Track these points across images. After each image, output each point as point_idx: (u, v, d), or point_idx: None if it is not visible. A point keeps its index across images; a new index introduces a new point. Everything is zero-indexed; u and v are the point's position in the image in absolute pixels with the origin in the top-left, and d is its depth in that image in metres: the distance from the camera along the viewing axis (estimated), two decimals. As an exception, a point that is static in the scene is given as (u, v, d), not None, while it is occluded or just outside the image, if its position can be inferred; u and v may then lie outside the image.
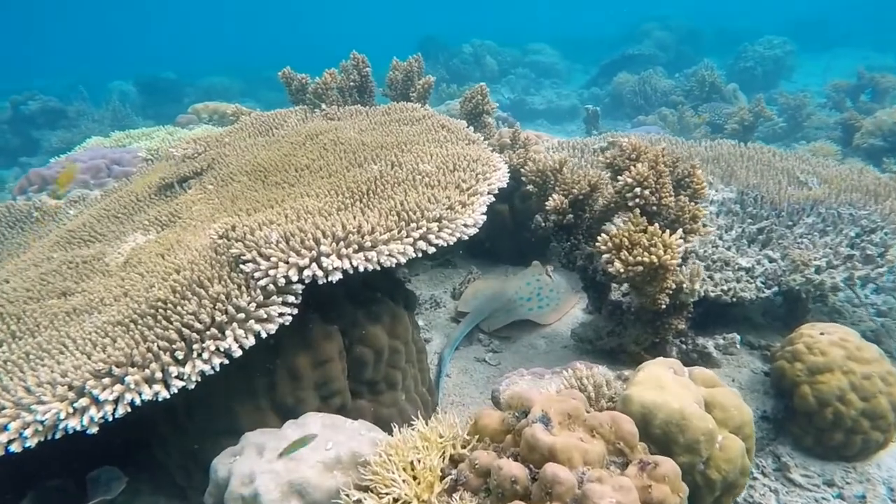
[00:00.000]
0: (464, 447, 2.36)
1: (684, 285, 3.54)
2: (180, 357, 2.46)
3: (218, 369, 2.51)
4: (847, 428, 3.48)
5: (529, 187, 4.32)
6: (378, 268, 2.83)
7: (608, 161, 3.71)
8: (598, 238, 3.43)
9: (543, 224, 4.27)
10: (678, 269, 3.22)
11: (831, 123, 11.33)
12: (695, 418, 2.60)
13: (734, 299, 4.02)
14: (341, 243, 2.76)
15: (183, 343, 2.50)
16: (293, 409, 2.95)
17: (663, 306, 3.52)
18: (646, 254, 3.15)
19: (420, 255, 2.99)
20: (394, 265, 2.88)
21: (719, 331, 4.37)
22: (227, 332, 2.54)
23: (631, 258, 3.20)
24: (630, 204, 3.46)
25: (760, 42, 16.81)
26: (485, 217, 3.38)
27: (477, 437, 2.38)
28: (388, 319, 3.25)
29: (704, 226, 3.57)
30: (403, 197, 3.25)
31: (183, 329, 2.52)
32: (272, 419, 2.94)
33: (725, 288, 4.01)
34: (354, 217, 3.01)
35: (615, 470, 2.21)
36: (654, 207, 3.50)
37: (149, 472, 3.18)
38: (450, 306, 5.28)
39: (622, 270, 3.22)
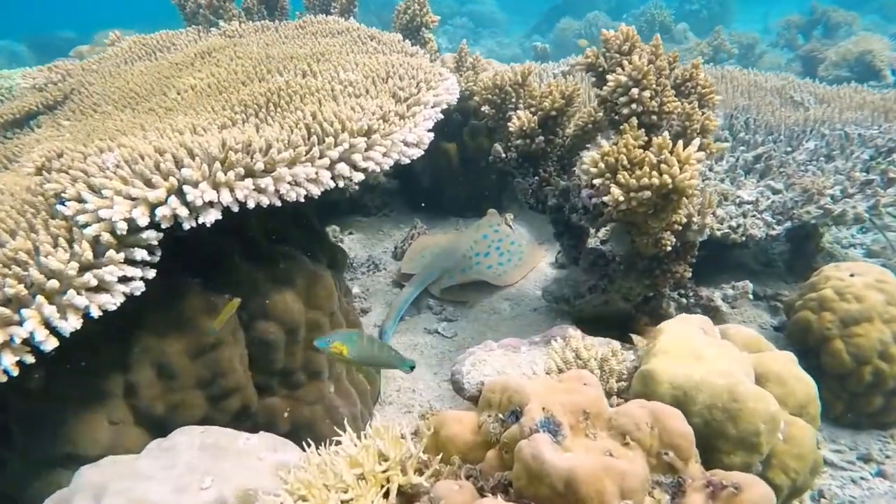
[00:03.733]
0: (420, 472, 1.48)
1: (694, 219, 2.73)
2: (-59, 356, 1.48)
3: (14, 372, 1.53)
4: (889, 390, 2.79)
5: (484, 108, 3.41)
6: (277, 202, 1.89)
7: (589, 61, 2.83)
8: (585, 159, 2.56)
9: (504, 155, 3.38)
10: (696, 194, 2.40)
11: (783, 63, 10.80)
12: (750, 399, 1.79)
13: (744, 238, 3.26)
14: (217, 166, 1.80)
15: (-52, 332, 1.51)
16: (166, 419, 2.01)
17: (668, 248, 2.70)
18: (654, 174, 2.30)
19: (341, 184, 2.06)
20: (302, 199, 1.94)
21: (714, 280, 3.63)
22: (28, 313, 1.56)
23: (633, 181, 2.35)
24: (625, 112, 2.60)
25: (706, -18, 16.16)
26: (431, 136, 2.47)
27: (440, 455, 1.50)
28: (303, 283, 2.32)
29: (717, 141, 2.75)
30: (317, 107, 2.30)
31: (-51, 310, 1.53)
32: (135, 437, 1.99)
33: (734, 224, 3.23)
34: (243, 132, 2.04)
35: (663, 497, 1.37)
36: (654, 117, 2.66)
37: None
38: (391, 268, 4.37)
39: (622, 199, 2.37)
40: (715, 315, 3.12)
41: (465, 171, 4.75)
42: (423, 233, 4.64)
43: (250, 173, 1.85)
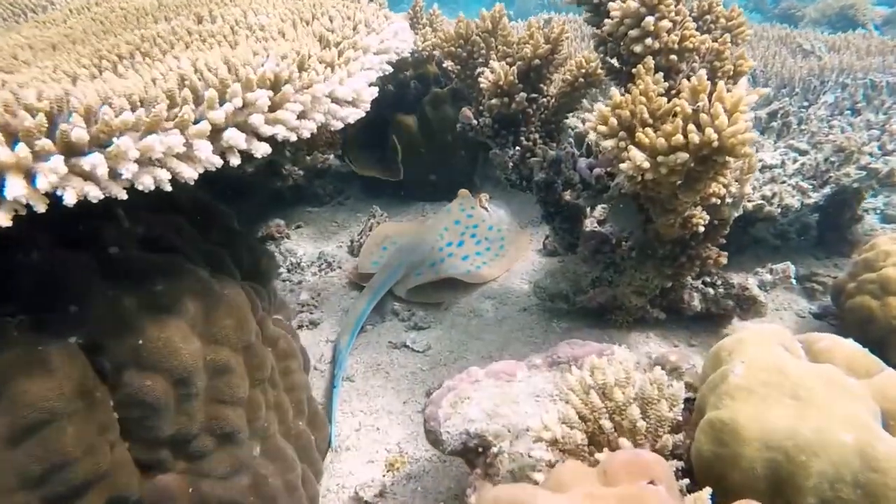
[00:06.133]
0: None
1: (731, 189, 2.07)
2: None
3: None
4: (975, 388, 2.18)
5: (447, 64, 2.71)
6: (120, 194, 1.16)
7: (582, -11, 2.13)
8: (589, 116, 1.87)
9: (475, 121, 2.68)
10: (750, 153, 1.73)
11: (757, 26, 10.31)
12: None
13: (780, 209, 2.62)
14: None
15: None
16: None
17: (701, 228, 2.04)
18: (691, 127, 1.63)
19: (234, 161, 1.34)
20: (166, 186, 1.22)
21: (733, 262, 3.00)
22: None
23: (661, 140, 1.66)
24: (637, 49, 1.92)
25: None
26: (374, 92, 1.76)
27: None
28: (197, 307, 1.59)
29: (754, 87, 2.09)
30: (204, 54, 1.57)
31: None
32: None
33: (767, 193, 2.58)
34: (78, 89, 1.30)
35: None
36: (673, 57, 1.98)
37: None
38: (348, 266, 3.65)
39: (646, 166, 1.69)
40: (752, 307, 2.48)
41: (428, 147, 4.04)
42: (384, 221, 3.92)
43: (67, 148, 1.12)
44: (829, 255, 3.25)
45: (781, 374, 1.28)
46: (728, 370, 1.33)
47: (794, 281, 2.49)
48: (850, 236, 3.14)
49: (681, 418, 1.40)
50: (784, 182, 2.76)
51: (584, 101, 2.81)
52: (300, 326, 3.04)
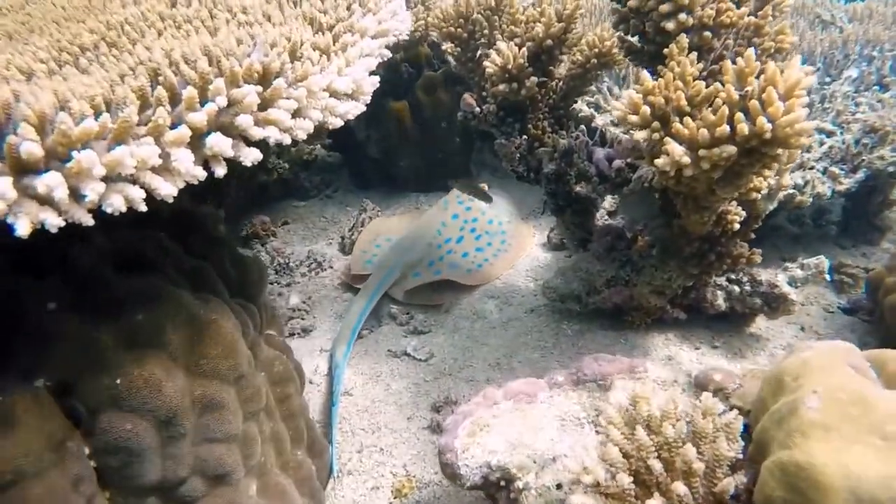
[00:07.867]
0: None
1: (769, 182, 1.89)
2: None
3: None
4: None
5: (446, 46, 2.49)
6: (86, 220, 0.95)
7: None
8: (617, 104, 1.68)
9: (478, 109, 2.48)
10: (806, 144, 1.55)
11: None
12: None
13: (811, 198, 2.44)
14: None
15: None
16: None
17: (737, 225, 1.87)
18: (740, 116, 1.44)
19: (219, 171, 1.13)
20: (140, 206, 1.01)
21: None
22: None
23: (705, 132, 1.47)
24: (670, 26, 1.72)
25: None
26: (375, 82, 1.55)
27: None
28: (180, 338, 1.39)
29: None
30: (180, 43, 1.35)
31: None
32: None
33: (799, 181, 2.41)
34: (29, 90, 1.08)
35: None
36: (707, 35, 1.78)
37: None
38: (339, 265, 3.44)
39: (686, 162, 1.50)
40: (781, 306, 2.31)
41: (421, 134, 3.83)
42: (377, 216, 3.71)
43: (17, 166, 0.91)
44: (856, 243, 3.08)
45: (864, 407, 1.10)
46: (798, 401, 1.16)
47: (828, 277, 2.32)
48: (880, 223, 2.97)
49: (740, 455, 1.23)
50: (812, 168, 2.59)
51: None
52: (292, 334, 2.84)
